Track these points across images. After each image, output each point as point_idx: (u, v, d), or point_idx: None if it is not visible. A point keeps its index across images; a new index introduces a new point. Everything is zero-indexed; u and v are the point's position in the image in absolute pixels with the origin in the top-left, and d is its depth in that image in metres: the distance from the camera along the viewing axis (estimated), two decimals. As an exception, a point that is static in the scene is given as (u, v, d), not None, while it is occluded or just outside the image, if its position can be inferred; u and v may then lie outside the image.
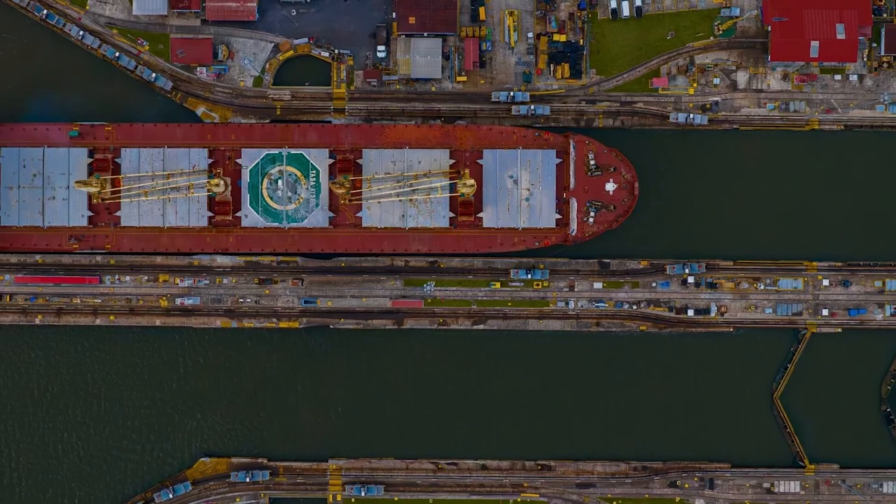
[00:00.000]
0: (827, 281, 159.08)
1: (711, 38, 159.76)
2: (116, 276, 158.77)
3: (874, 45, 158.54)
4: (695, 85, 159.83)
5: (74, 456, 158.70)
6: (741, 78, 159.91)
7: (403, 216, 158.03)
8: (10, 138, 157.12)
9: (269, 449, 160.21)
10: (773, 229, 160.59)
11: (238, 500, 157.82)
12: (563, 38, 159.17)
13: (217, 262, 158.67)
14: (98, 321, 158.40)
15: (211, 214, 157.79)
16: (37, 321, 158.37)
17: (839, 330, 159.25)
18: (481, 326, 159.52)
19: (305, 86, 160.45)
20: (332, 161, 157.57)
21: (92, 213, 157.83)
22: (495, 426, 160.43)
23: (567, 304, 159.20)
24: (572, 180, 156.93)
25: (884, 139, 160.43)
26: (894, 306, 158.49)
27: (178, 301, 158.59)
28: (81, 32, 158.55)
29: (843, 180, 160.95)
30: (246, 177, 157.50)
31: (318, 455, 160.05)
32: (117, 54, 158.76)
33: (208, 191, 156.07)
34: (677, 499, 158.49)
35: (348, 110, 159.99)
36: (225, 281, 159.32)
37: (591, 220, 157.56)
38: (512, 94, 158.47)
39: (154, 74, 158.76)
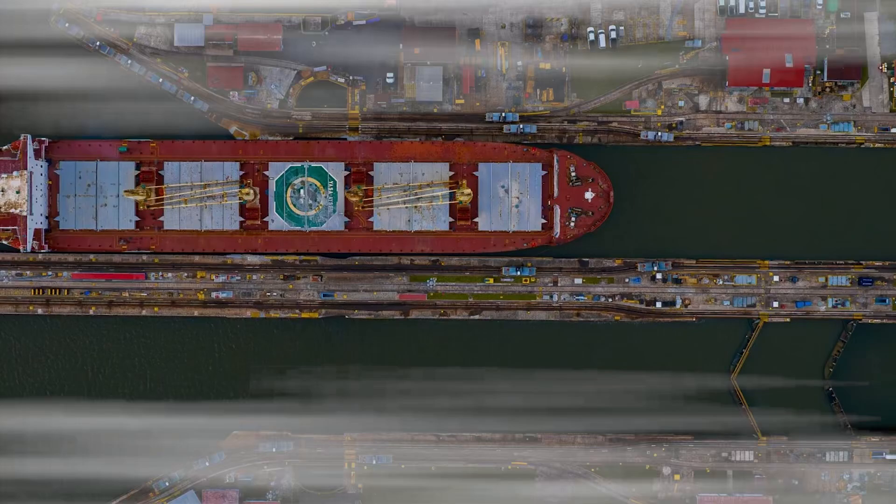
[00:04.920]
0: (777, 277, 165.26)
1: (677, 66, 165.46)
2: (160, 273, 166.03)
3: (818, 72, 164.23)
4: (662, 107, 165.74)
5: (123, 430, 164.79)
6: (703, 101, 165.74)
7: (409, 221, 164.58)
8: (67, 153, 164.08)
9: (292, 423, 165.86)
10: (730, 232, 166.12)
11: (265, 467, 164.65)
12: (547, 66, 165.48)
13: (247, 260, 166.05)
14: (144, 312, 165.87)
15: (242, 219, 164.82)
16: (91, 312, 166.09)
17: (788, 320, 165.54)
18: (477, 317, 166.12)
19: (324, 108, 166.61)
20: (347, 173, 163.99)
21: (139, 218, 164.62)
22: (489, 404, 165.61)
23: (551, 297, 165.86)
24: (556, 190, 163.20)
25: (826, 154, 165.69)
26: (836, 299, 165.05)
27: (214, 294, 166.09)
28: (130, 61, 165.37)
29: (792, 189, 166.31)
30: (272, 187, 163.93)
31: (335, 428, 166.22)
32: (161, 80, 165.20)
33: (240, 199, 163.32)
34: (647, 466, 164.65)
35: (361, 129, 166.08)
36: (254, 277, 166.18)
37: (572, 224, 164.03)
38: (503, 114, 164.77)
39: (192, 97, 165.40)
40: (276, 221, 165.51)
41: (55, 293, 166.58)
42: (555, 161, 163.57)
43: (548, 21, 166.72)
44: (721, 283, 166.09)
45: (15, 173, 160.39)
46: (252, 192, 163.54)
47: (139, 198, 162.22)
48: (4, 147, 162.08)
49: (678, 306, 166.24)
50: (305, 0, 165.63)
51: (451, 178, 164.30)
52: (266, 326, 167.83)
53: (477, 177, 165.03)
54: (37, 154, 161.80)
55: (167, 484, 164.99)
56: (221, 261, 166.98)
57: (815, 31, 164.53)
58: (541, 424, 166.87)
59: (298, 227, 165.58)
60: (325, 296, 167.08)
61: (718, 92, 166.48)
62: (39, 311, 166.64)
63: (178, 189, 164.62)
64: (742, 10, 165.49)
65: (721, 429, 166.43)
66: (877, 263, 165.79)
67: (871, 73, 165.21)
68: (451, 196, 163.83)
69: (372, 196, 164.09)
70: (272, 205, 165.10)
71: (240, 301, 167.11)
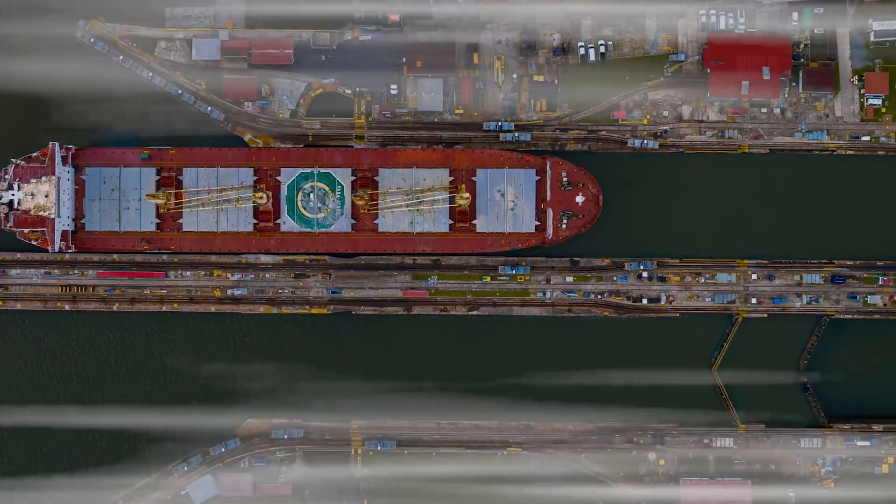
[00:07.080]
0: (755, 275, 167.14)
1: (661, 78, 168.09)
2: (179, 272, 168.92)
3: (793, 83, 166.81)
4: (648, 116, 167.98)
5: (145, 418, 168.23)
6: (686, 111, 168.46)
7: (412, 223, 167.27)
8: (92, 160, 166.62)
9: (303, 412, 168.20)
10: (711, 233, 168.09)
11: (277, 453, 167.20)
12: (541, 78, 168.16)
13: (261, 260, 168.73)
14: (164, 308, 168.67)
15: (256, 221, 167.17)
16: (114, 308, 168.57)
17: (765, 315, 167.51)
18: (475, 312, 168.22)
19: (332, 117, 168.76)
20: (354, 178, 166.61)
21: (159, 221, 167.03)
22: (486, 393, 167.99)
23: (544, 294, 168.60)
24: (549, 194, 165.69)
25: (801, 160, 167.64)
26: (810, 296, 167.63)
27: (229, 292, 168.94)
28: (150, 73, 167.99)
29: (769, 194, 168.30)
30: (284, 191, 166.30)
31: (343, 417, 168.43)
32: (180, 91, 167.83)
33: (253, 202, 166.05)
34: (634, 452, 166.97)
35: (367, 137, 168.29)
36: (267, 275, 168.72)
37: (563, 226, 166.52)
38: (500, 123, 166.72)
39: (210, 108, 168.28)
40: (287, 223, 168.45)
41: (81, 290, 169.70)
42: (548, 167, 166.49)
43: (541, 36, 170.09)
44: (703, 281, 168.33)
45: (44, 178, 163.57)
46: (265, 196, 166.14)
47: (160, 201, 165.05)
48: (34, 154, 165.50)
49: (663, 303, 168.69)
50: (315, 16, 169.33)
51: (450, 183, 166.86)
52: (278, 322, 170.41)
53: (475, 182, 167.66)
54: (64, 160, 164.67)
55: (186, 469, 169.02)
56: (236, 260, 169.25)
57: (791, 46, 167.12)
58: (535, 412, 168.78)
59: (308, 229, 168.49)
60: (333, 293, 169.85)
61: (700, 102, 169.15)
62: (66, 307, 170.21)
63: (196, 193, 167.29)
64: (722, 26, 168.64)
65: (703, 417, 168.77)
66: (848, 263, 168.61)
67: (843, 84, 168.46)
68: (451, 200, 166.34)
69: (377, 200, 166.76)
70: (284, 208, 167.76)
71: (253, 298, 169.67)
